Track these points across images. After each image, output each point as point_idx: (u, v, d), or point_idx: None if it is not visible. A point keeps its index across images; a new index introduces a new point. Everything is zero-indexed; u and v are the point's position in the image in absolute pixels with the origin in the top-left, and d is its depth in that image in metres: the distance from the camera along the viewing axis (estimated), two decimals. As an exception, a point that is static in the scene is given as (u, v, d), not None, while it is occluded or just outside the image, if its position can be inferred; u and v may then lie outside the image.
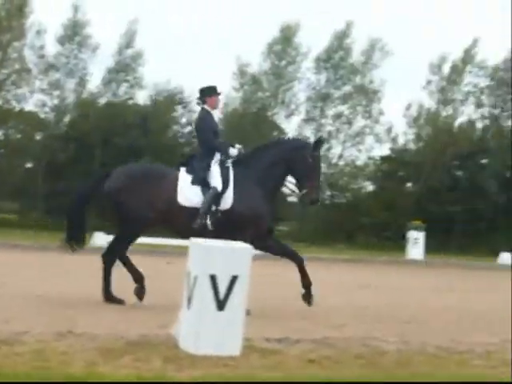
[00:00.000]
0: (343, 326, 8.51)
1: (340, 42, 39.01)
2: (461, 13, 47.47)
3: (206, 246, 6.19)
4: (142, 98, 39.20)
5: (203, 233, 9.59)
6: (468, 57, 39.09)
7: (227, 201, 9.83)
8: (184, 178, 9.89)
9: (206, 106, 10.24)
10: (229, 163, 10.09)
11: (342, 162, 40.63)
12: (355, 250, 30.33)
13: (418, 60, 49.99)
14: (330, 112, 39.85)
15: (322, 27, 46.54)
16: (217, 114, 10.73)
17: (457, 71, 38.94)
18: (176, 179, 9.85)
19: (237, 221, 9.74)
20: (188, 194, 9.79)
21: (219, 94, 10.39)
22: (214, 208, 9.70)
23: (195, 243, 6.37)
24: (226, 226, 9.69)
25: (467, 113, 40.13)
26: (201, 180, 9.82)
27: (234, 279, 6.03)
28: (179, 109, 39.83)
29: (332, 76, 39.24)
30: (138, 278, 9.78)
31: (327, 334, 7.38)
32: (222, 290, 6.01)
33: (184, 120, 39.77)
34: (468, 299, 12.64)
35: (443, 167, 38.93)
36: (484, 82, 39.72)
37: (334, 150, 40.02)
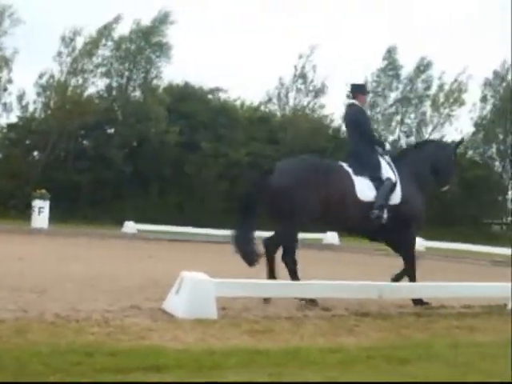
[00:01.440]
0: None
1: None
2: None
3: None
4: None
5: (375, 226, 9.76)
6: (105, 31, 39.52)
7: (396, 196, 9.90)
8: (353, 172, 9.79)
9: (356, 102, 10.40)
10: (388, 159, 10.03)
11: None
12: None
13: (51, 31, 49.55)
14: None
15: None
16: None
17: (92, 43, 39.10)
18: (348, 173, 9.74)
19: (404, 217, 9.77)
20: (364, 188, 9.72)
21: (369, 92, 10.33)
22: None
23: None
24: (393, 222, 9.65)
25: (97, 84, 40.61)
26: (373, 174, 9.82)
27: None
28: None
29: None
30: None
31: None
32: None
33: None
34: (92, 268, 12.81)
35: (70, 136, 38.97)
36: (112, 53, 40.40)
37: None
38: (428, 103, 46.58)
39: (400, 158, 10.64)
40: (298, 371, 5.32)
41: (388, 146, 10.74)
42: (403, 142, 46.35)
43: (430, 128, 46.64)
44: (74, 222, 31.19)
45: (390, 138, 46.13)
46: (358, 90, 10.59)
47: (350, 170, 9.83)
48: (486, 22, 60.30)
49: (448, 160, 10.89)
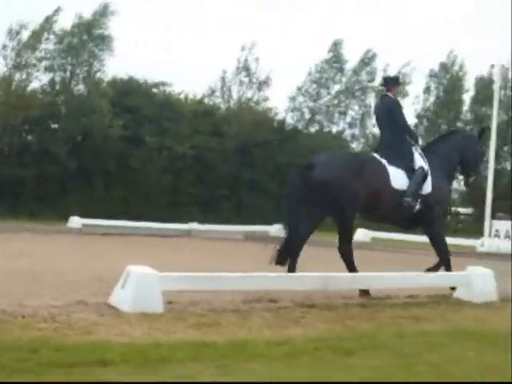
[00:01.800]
0: None
1: None
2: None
3: None
4: None
5: (408, 215, 10.14)
6: (47, 24, 39.03)
7: (428, 185, 10.22)
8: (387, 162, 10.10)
9: (390, 94, 10.69)
10: (419, 150, 10.36)
11: None
12: None
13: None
14: None
15: None
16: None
17: (35, 37, 38.58)
18: (383, 164, 10.05)
19: (433, 206, 10.15)
20: (398, 176, 10.06)
21: (401, 83, 10.56)
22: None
23: None
24: (424, 211, 10.05)
25: (40, 78, 40.08)
26: (406, 163, 10.17)
27: None
28: None
29: None
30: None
31: None
32: None
33: None
34: (37, 263, 12.69)
35: (14, 131, 38.42)
36: (55, 47, 39.93)
37: None
38: (372, 95, 46.94)
39: (429, 148, 11.02)
40: (244, 364, 5.36)
41: (420, 139, 10.93)
42: (348, 134, 46.66)
43: (374, 119, 46.89)
44: (19, 217, 30.77)
45: (334, 130, 46.45)
46: (391, 83, 10.93)
47: (383, 160, 10.18)
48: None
49: (475, 149, 11.21)
